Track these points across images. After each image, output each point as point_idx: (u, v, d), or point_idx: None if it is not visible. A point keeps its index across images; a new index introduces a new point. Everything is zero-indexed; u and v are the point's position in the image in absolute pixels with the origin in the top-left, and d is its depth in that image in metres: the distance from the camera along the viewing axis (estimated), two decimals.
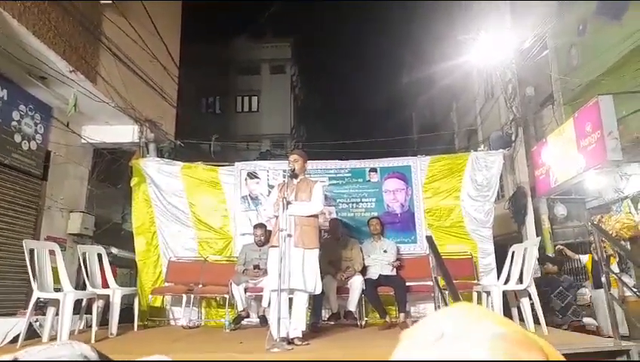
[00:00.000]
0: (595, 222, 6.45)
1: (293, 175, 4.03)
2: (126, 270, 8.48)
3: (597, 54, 6.96)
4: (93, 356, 0.48)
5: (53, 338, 3.88)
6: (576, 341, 3.69)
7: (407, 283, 5.01)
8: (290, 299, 3.77)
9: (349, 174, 6.20)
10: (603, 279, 3.62)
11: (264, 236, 5.21)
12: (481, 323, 0.42)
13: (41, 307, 4.34)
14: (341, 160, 6.38)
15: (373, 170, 6.19)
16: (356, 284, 4.87)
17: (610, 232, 6.19)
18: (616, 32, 6.44)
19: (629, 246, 6.47)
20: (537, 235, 7.47)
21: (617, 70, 6.42)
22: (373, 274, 5.11)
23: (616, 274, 4.43)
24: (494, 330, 0.42)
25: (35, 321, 4.24)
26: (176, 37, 9.00)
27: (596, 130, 5.81)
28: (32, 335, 4.09)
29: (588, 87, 7.03)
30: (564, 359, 0.45)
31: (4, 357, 0.44)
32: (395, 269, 5.25)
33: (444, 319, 0.45)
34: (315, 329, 4.44)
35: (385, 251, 5.29)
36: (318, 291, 3.94)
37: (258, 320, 5.19)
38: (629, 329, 5.24)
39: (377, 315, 4.99)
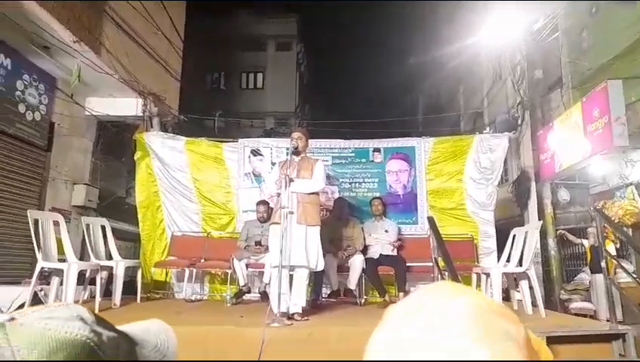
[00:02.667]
0: (597, 208, 6.44)
1: (296, 152, 4.03)
2: (130, 243, 8.58)
3: (608, 37, 6.83)
4: (89, 317, 0.48)
5: None
6: (572, 323, 3.72)
7: (408, 264, 5.04)
8: (291, 276, 3.81)
9: (353, 154, 6.18)
10: (603, 264, 3.63)
11: (267, 213, 5.24)
12: (459, 297, 0.43)
13: (45, 276, 4.40)
14: (345, 139, 6.36)
15: (377, 150, 6.17)
16: (357, 263, 4.91)
17: (613, 218, 6.18)
18: (628, 15, 6.30)
19: (631, 233, 6.47)
20: (540, 219, 7.47)
21: (628, 54, 6.30)
22: (374, 253, 5.14)
23: (613, 257, 4.44)
24: (472, 301, 0.42)
25: (40, 290, 4.31)
26: (181, 10, 8.87)
27: (604, 115, 5.75)
28: (37, 304, 4.16)
29: (598, 71, 6.92)
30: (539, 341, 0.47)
31: (1, 315, 0.44)
32: (395, 249, 5.28)
33: (424, 294, 0.46)
34: (314, 306, 4.50)
35: (386, 231, 5.31)
36: (320, 268, 3.98)
37: (259, 295, 5.26)
38: (623, 314, 5.29)
39: (377, 294, 5.04)
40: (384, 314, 0.48)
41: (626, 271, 4.20)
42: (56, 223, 4.26)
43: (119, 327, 0.57)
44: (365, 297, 5.18)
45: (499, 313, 0.42)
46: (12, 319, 0.46)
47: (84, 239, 5.23)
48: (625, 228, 6.36)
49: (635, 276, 5.40)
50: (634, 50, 6.20)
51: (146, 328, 0.63)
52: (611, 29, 6.81)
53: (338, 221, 5.34)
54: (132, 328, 0.60)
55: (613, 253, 5.92)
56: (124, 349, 0.54)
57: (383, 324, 0.46)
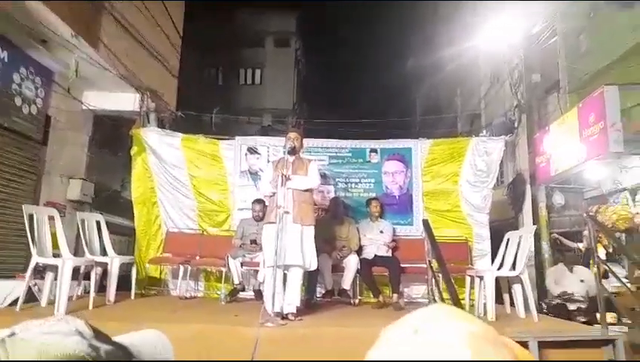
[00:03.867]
0: (591, 213, 6.48)
1: (292, 152, 4.04)
2: (124, 237, 8.56)
3: (605, 42, 6.87)
4: (88, 331, 0.49)
5: (51, 303, 3.95)
6: (564, 329, 3.76)
7: (402, 265, 5.07)
8: (285, 275, 3.82)
9: (350, 154, 6.20)
10: (595, 269, 3.66)
11: (262, 211, 5.24)
12: (452, 322, 0.44)
13: (39, 271, 4.39)
14: (342, 139, 6.37)
15: (374, 150, 6.19)
16: (351, 263, 4.94)
17: (606, 223, 6.22)
18: (626, 20, 6.34)
19: (624, 238, 6.52)
20: (534, 223, 7.51)
21: (625, 60, 6.34)
22: (369, 254, 5.16)
23: (603, 261, 4.47)
24: (465, 328, 0.43)
25: (34, 285, 4.30)
26: (180, 6, 8.83)
27: (599, 120, 5.78)
28: (31, 298, 4.16)
29: (595, 75, 6.95)
30: (533, 358, 0.47)
31: (2, 330, 0.45)
32: (390, 250, 5.31)
33: (418, 318, 0.47)
34: (309, 306, 4.52)
35: (381, 232, 5.34)
36: (314, 267, 4.00)
37: (253, 293, 5.27)
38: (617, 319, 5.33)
39: (371, 294, 5.06)
40: (380, 334, 0.49)
41: (615, 275, 4.23)
42: (51, 218, 4.25)
43: (116, 338, 0.58)
44: (359, 297, 5.20)
45: (493, 341, 0.43)
46: (13, 334, 0.46)
47: (78, 233, 5.22)
48: (618, 233, 6.40)
49: (625, 280, 5.45)
50: (630, 56, 6.24)
51: (141, 338, 0.64)
52: (608, 33, 6.85)
53: (333, 220, 5.36)
54: (128, 339, 0.61)
55: (603, 257, 5.96)
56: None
57: (378, 345, 0.47)
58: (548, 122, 7.87)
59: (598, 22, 7.24)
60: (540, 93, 8.52)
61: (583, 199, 7.98)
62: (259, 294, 5.02)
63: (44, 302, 4.08)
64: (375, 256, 5.13)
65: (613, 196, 7.18)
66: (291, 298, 3.81)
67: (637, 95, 5.88)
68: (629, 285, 5.09)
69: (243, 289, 5.15)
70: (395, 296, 4.83)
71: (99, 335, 0.52)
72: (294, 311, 3.77)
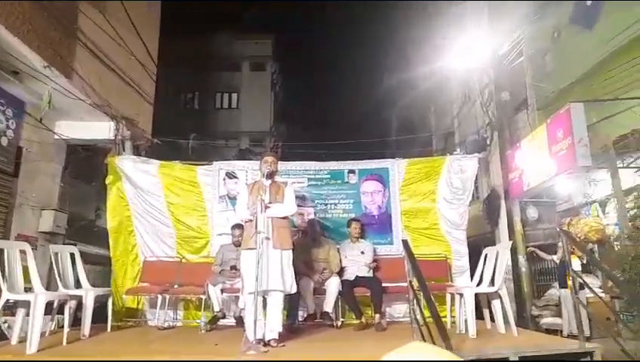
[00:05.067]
0: (564, 225, 6.66)
1: (270, 176, 4.06)
2: (99, 267, 8.34)
3: (569, 62, 7.18)
4: None
5: (22, 340, 3.79)
6: (543, 343, 3.81)
7: (383, 284, 5.08)
8: (264, 300, 3.79)
9: (328, 175, 6.25)
10: (570, 282, 3.75)
11: (242, 237, 5.19)
12: (428, 356, 0.47)
13: (10, 308, 4.23)
14: (320, 160, 6.43)
15: (352, 171, 6.25)
16: (333, 285, 4.92)
17: (579, 235, 6.40)
18: (587, 41, 6.65)
19: (596, 249, 6.71)
20: (510, 237, 7.67)
21: (588, 78, 6.63)
22: (350, 274, 5.16)
23: (576, 273, 4.59)
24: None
25: (4, 323, 4.14)
26: (154, 32, 8.86)
27: (567, 136, 6.00)
28: (0, 337, 3.99)
29: (560, 93, 7.24)
30: None
31: None
32: (371, 270, 5.32)
33: (398, 355, 0.49)
34: (291, 330, 4.47)
35: (362, 252, 5.35)
36: (294, 290, 3.98)
37: (234, 320, 5.18)
38: (591, 329, 5.45)
39: (353, 315, 5.04)
40: None
41: (589, 287, 4.34)
42: (22, 252, 4.12)
43: None
44: (342, 319, 5.17)
45: None
46: None
47: (51, 266, 5.07)
48: (590, 244, 6.58)
49: (600, 291, 5.58)
50: (591, 76, 6.53)
51: None
52: (572, 54, 7.17)
53: (312, 242, 5.35)
54: None
55: (578, 268, 6.11)
56: None
57: None
58: (519, 139, 8.12)
59: (562, 43, 7.58)
60: (509, 110, 8.80)
61: (556, 212, 8.20)
62: (240, 321, 4.94)
63: (14, 340, 3.91)
64: (356, 276, 5.13)
65: (584, 208, 7.40)
66: (273, 324, 3.76)
67: (601, 111, 6.14)
68: (602, 295, 5.22)
69: (223, 317, 5.06)
70: (378, 316, 4.83)
71: None
72: (277, 337, 3.72)
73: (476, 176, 6.40)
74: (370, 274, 5.27)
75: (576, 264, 6.12)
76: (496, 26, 8.96)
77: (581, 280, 4.33)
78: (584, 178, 6.97)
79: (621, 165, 6.19)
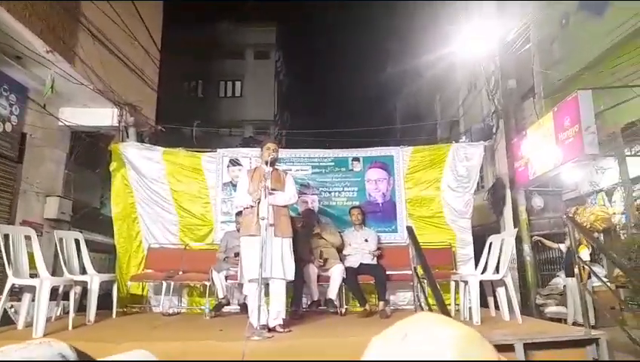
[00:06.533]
0: (570, 214, 6.62)
1: (272, 163, 4.02)
2: (104, 255, 8.38)
3: (577, 49, 7.07)
4: (71, 355, 0.47)
5: (28, 325, 3.82)
6: (548, 329, 3.80)
7: (387, 272, 5.07)
8: (266, 286, 3.78)
9: (332, 163, 6.21)
10: (576, 270, 3.73)
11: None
12: (439, 326, 0.46)
13: (16, 293, 4.26)
14: (324, 148, 6.39)
15: (356, 159, 6.22)
16: (337, 273, 4.92)
17: (585, 224, 6.37)
18: (596, 28, 6.55)
19: (602, 238, 6.67)
20: (515, 226, 7.64)
21: (596, 65, 6.54)
22: (354, 262, 5.15)
23: (585, 262, 4.57)
24: (450, 331, 0.45)
25: (10, 308, 4.16)
26: (158, 18, 8.79)
27: (574, 124, 5.93)
28: (7, 321, 4.02)
29: (568, 81, 7.15)
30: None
31: None
32: (375, 258, 5.31)
33: (407, 324, 0.48)
34: (295, 317, 4.48)
35: (366, 240, 5.34)
36: (293, 277, 3.96)
37: (239, 307, 5.20)
38: (596, 318, 5.44)
39: (357, 303, 5.05)
40: (372, 340, 0.49)
41: (596, 275, 4.32)
42: (27, 237, 4.13)
43: (102, 360, 0.57)
44: (346, 307, 5.18)
45: (477, 343, 0.44)
46: None
47: (57, 252, 5.09)
48: (596, 233, 6.55)
49: (606, 280, 5.57)
50: (600, 62, 6.44)
51: (128, 359, 0.62)
52: (580, 41, 7.06)
53: (311, 229, 5.33)
54: (115, 359, 0.60)
55: (587, 257, 6.08)
56: None
57: (369, 349, 0.48)
58: (525, 127, 8.04)
59: (570, 30, 7.47)
60: (516, 98, 8.71)
61: (562, 201, 8.15)
62: (244, 307, 4.95)
63: (21, 325, 3.94)
64: (360, 264, 5.12)
65: (590, 197, 7.35)
66: (277, 310, 3.76)
67: (609, 98, 6.06)
68: (609, 284, 5.21)
69: (228, 303, 5.08)
70: (382, 303, 4.82)
71: (83, 358, 0.51)
72: (282, 323, 3.73)
73: (481, 165, 6.36)
74: (374, 262, 5.27)
75: (586, 253, 6.09)
76: (504, 12, 8.83)
77: (589, 269, 4.30)
78: (591, 166, 6.92)
79: (629, 153, 6.13)
